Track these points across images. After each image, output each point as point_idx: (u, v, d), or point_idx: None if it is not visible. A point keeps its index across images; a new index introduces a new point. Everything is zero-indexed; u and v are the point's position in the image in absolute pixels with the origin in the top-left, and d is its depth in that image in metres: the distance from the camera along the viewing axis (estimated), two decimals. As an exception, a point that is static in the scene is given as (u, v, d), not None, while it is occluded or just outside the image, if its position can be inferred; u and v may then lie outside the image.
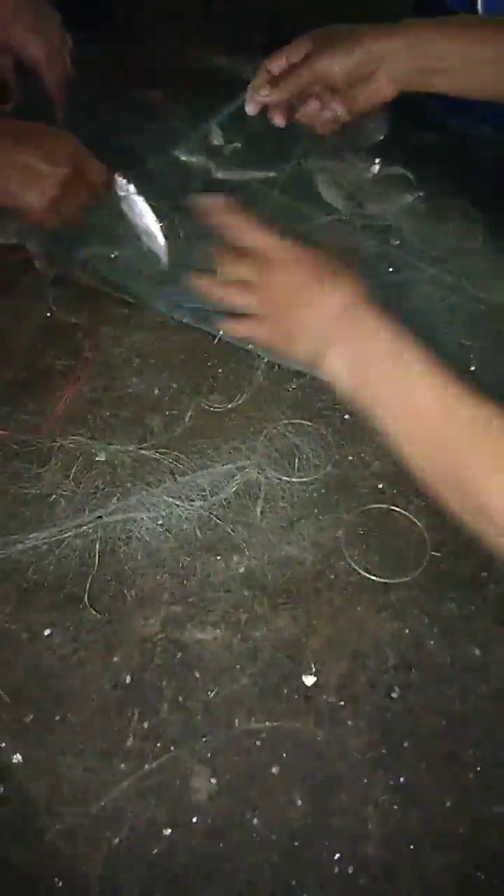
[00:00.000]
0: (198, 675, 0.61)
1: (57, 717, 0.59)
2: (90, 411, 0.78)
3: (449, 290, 0.84)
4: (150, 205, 0.79)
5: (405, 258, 0.87)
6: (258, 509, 0.71)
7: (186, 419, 0.78)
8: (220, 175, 0.95)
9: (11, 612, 0.65)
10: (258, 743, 0.58)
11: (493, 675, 0.61)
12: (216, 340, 0.83)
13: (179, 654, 0.62)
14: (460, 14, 0.85)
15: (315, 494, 0.72)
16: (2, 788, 0.56)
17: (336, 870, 0.53)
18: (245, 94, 0.79)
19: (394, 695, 0.60)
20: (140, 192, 0.78)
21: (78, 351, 0.83)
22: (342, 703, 0.60)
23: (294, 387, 0.81)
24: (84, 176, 0.74)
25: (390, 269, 0.87)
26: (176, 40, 1.14)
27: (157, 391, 0.80)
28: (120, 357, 0.83)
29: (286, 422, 0.77)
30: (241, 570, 0.67)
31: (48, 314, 0.87)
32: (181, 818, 0.55)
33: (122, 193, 0.79)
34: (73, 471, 0.73)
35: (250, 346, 0.80)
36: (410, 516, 0.70)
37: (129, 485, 0.72)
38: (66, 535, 0.68)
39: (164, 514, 0.70)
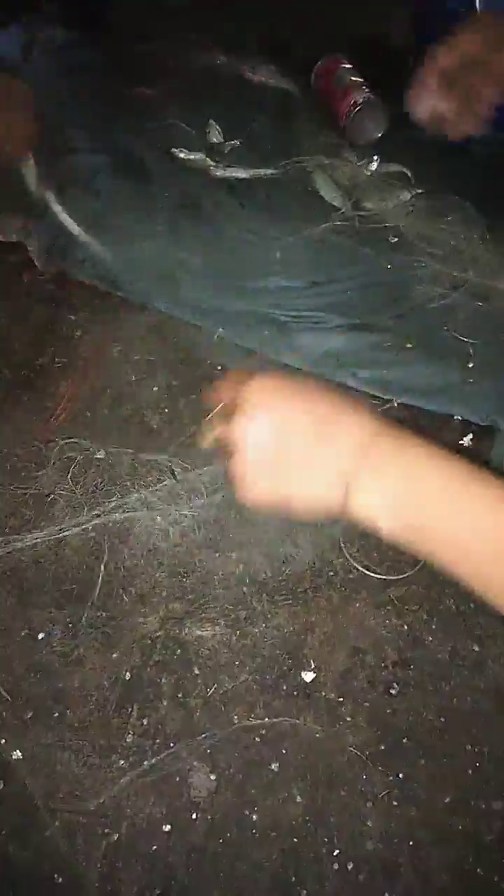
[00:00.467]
0: (197, 671, 0.62)
1: (56, 714, 0.60)
2: (89, 410, 0.78)
3: (448, 287, 0.84)
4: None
5: (404, 255, 0.87)
6: (257, 507, 0.71)
7: (185, 418, 0.78)
8: (218, 174, 0.95)
9: (11, 609, 0.65)
10: (257, 739, 0.58)
11: (491, 672, 0.61)
12: (215, 339, 0.83)
13: (178, 651, 0.63)
14: None
15: (314, 492, 0.72)
16: (2, 784, 0.57)
17: (335, 866, 0.53)
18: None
19: (393, 691, 0.60)
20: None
21: (77, 350, 0.84)
22: (341, 699, 0.60)
23: (293, 385, 0.81)
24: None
25: (388, 267, 0.86)
26: (175, 40, 1.13)
27: (155, 389, 0.80)
28: (119, 356, 0.83)
29: (285, 419, 0.77)
30: (240, 568, 0.67)
31: (48, 314, 0.87)
32: (180, 814, 0.55)
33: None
34: (72, 470, 0.73)
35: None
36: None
37: (127, 483, 0.72)
38: (66, 533, 0.69)
39: (162, 512, 0.70)
